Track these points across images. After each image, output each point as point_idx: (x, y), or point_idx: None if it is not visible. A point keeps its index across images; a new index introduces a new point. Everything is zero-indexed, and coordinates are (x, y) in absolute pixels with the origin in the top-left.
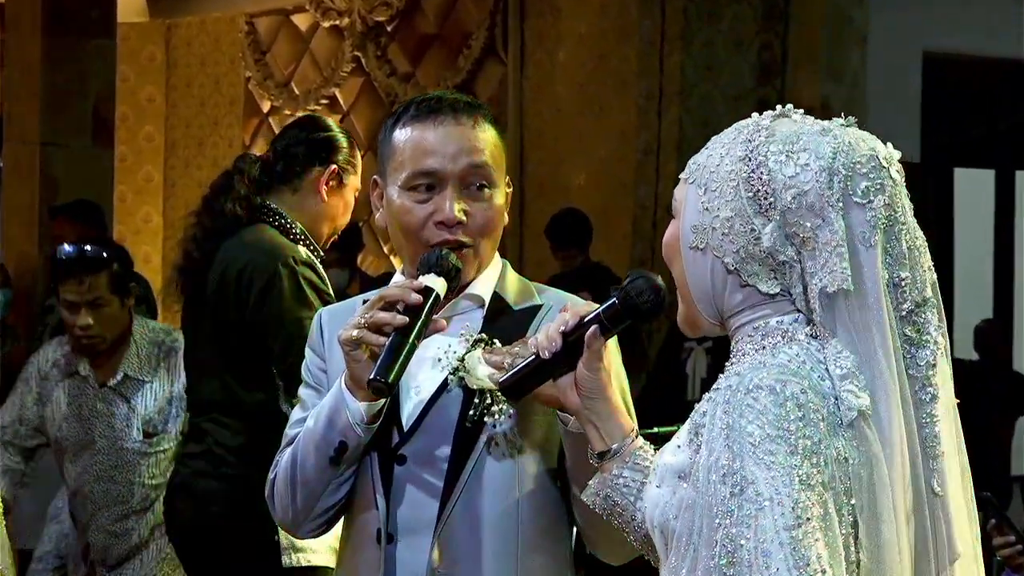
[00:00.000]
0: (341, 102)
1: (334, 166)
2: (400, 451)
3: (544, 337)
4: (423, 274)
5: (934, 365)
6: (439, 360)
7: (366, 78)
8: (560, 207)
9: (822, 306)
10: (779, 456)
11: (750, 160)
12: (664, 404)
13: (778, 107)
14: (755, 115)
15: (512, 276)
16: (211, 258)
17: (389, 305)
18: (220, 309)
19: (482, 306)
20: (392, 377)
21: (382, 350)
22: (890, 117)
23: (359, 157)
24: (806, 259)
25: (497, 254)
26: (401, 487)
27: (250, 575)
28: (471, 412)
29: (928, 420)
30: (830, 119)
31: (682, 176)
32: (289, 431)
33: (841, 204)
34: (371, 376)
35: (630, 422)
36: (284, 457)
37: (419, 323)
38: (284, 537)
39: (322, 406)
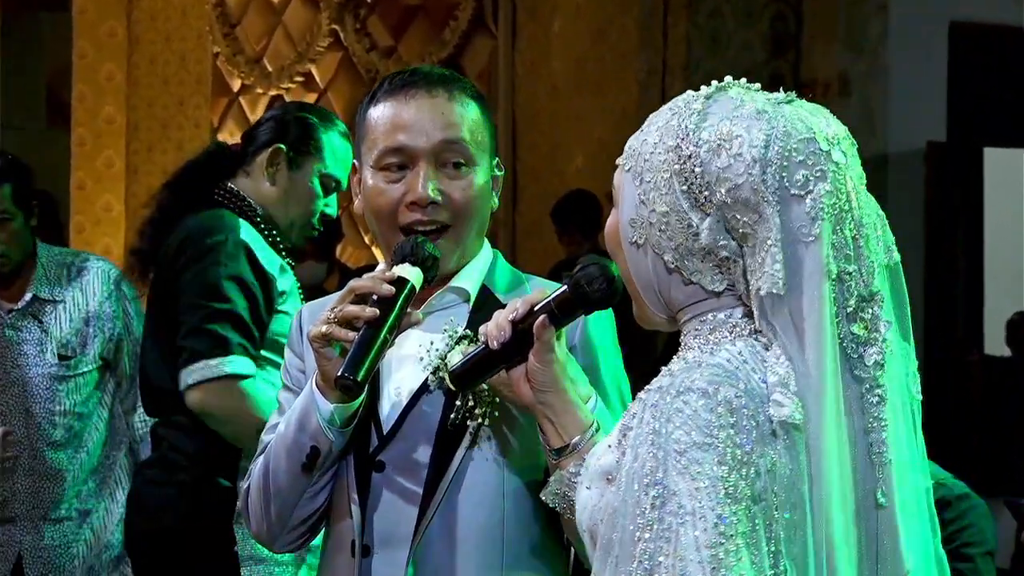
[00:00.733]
0: (317, 79)
1: (279, 146)
2: (378, 457)
3: (494, 326)
4: (397, 263)
5: (882, 365)
6: (421, 359)
7: (344, 53)
8: (555, 192)
9: (758, 308)
10: (705, 466)
11: (681, 150)
12: None
13: (713, 82)
14: (690, 92)
15: (503, 268)
16: (159, 244)
17: (360, 298)
18: (159, 286)
19: (468, 300)
20: (362, 374)
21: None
22: (913, 92)
23: (336, 144)
24: (747, 255)
25: (487, 244)
26: (379, 495)
27: None
28: (452, 415)
29: (875, 425)
30: (849, 95)
31: (618, 161)
32: (264, 437)
33: (776, 198)
34: (338, 373)
35: (589, 417)
36: (257, 465)
37: (392, 316)
38: (243, 548)
39: (293, 409)
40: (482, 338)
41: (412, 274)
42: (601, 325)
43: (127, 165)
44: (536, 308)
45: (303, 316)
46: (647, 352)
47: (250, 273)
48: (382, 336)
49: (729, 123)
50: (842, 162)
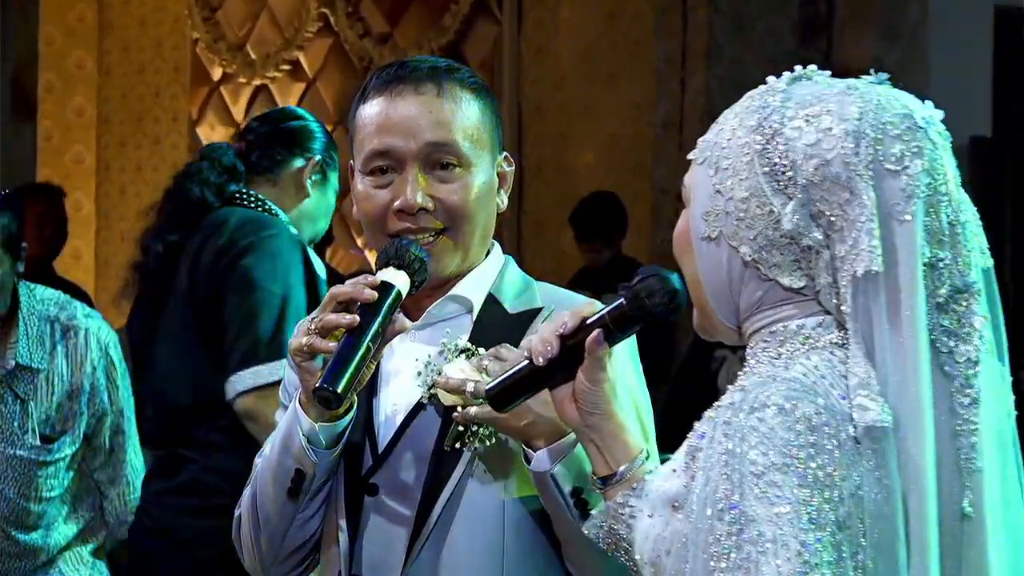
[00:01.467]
0: (306, 68)
1: (317, 156)
2: (371, 479)
3: (539, 341)
4: (381, 267)
5: (976, 363)
6: (419, 374)
7: (335, 39)
8: (563, 190)
9: (851, 295)
10: (786, 489)
11: (764, 129)
12: (689, 424)
13: (797, 68)
14: (770, 78)
15: (513, 275)
16: (177, 252)
17: (342, 305)
18: (196, 293)
19: (471, 310)
20: (342, 385)
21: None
22: (956, 82)
23: (336, 157)
24: (835, 243)
25: (497, 248)
26: (370, 521)
27: None
28: (448, 439)
29: (965, 428)
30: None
31: (691, 156)
32: (256, 459)
33: (871, 173)
34: (316, 385)
35: (639, 442)
36: (247, 491)
37: (376, 323)
38: None
39: (278, 429)
40: (525, 353)
41: (398, 278)
42: None
43: (98, 160)
44: (588, 322)
45: (300, 330)
46: (664, 368)
47: (302, 273)
48: (364, 344)
49: (817, 99)
50: (939, 143)
